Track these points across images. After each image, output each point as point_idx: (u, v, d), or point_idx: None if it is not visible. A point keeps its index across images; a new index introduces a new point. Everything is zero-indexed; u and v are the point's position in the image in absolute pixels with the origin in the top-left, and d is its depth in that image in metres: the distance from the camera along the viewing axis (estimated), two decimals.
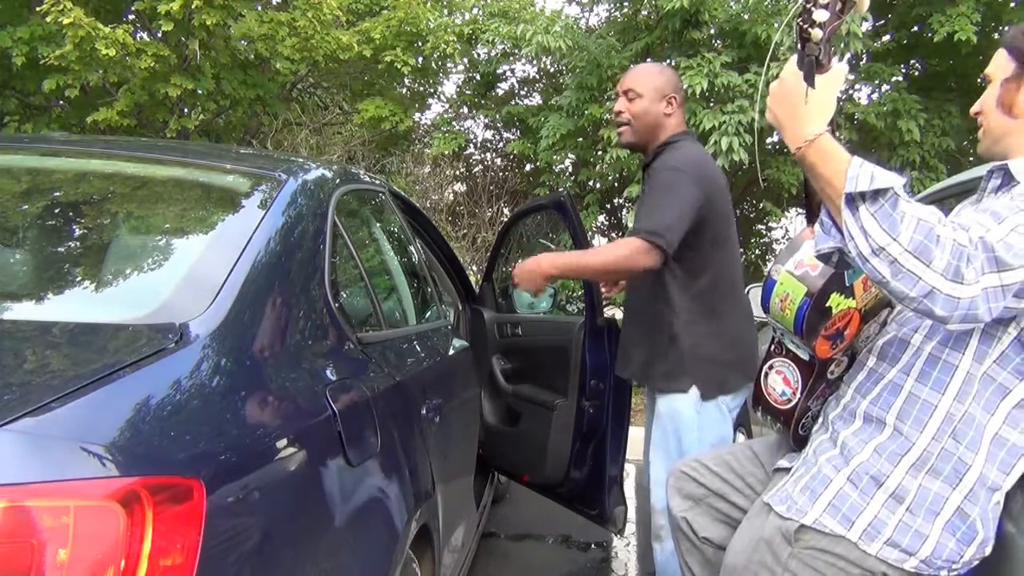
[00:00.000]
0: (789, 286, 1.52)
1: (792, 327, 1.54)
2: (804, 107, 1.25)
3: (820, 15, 1.16)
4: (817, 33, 1.17)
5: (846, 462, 1.45)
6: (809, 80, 1.23)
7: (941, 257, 1.18)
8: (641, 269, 2.10)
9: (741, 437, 2.40)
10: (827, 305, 1.50)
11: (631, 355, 2.40)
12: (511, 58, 8.35)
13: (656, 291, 2.25)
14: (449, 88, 9.58)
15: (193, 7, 5.79)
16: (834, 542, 1.41)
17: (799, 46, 1.23)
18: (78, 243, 1.67)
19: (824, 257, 1.38)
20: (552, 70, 8.44)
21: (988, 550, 1.41)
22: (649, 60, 6.81)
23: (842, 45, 5.77)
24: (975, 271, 1.19)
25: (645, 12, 7.06)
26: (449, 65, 8.61)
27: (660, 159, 2.24)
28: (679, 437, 2.22)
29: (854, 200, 1.21)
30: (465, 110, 9.11)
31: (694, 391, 2.21)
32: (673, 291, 2.21)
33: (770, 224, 8.06)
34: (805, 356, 1.62)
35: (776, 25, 5.98)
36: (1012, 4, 6.66)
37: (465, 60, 8.53)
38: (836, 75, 1.26)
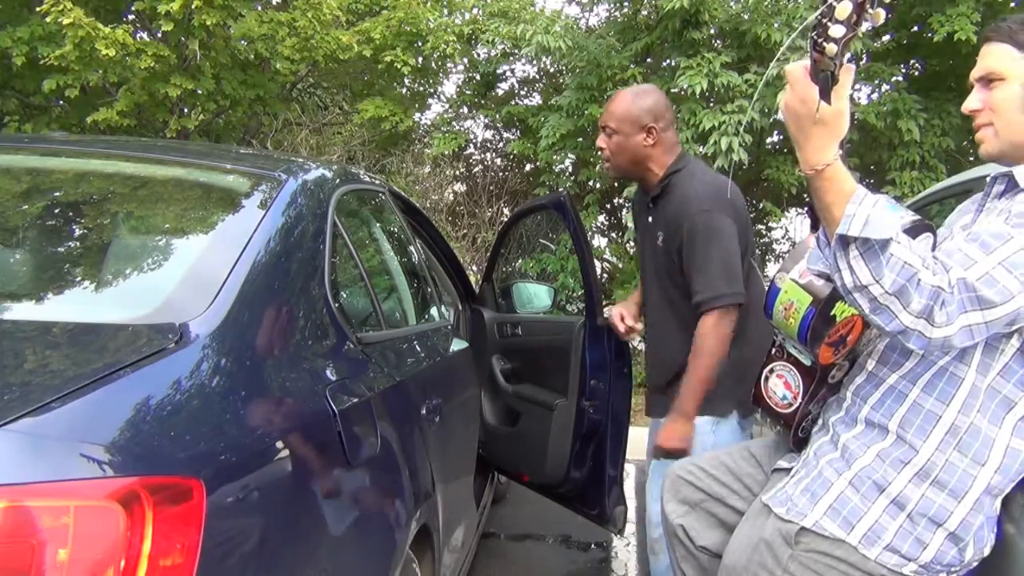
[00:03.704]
0: (794, 295, 1.51)
1: (796, 335, 1.53)
2: (815, 127, 1.22)
3: (836, 30, 1.11)
4: (832, 48, 1.13)
5: (848, 465, 1.44)
6: (824, 96, 1.20)
7: (918, 301, 1.21)
8: (731, 338, 2.07)
9: None
10: (832, 313, 1.49)
11: (653, 380, 2.34)
12: (511, 58, 8.34)
13: (673, 317, 2.20)
14: (449, 88, 9.58)
15: (193, 7, 5.79)
16: (834, 545, 1.40)
17: (812, 60, 1.18)
18: (78, 243, 1.67)
19: (821, 274, 1.38)
20: (552, 70, 8.43)
21: (987, 551, 1.41)
22: (648, 70, 6.81)
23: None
24: (947, 315, 1.22)
25: (645, 12, 7.06)
26: (449, 65, 8.61)
27: (672, 195, 2.16)
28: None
29: (846, 237, 1.21)
30: (465, 110, 9.10)
31: (719, 413, 2.16)
32: (691, 318, 2.14)
33: (770, 224, 8.05)
34: (807, 361, 1.61)
35: (776, 25, 5.98)
36: (1012, 4, 6.65)
37: (465, 60, 8.52)
38: (845, 85, 1.21)
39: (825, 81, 1.19)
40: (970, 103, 1.43)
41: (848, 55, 1.17)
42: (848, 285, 1.24)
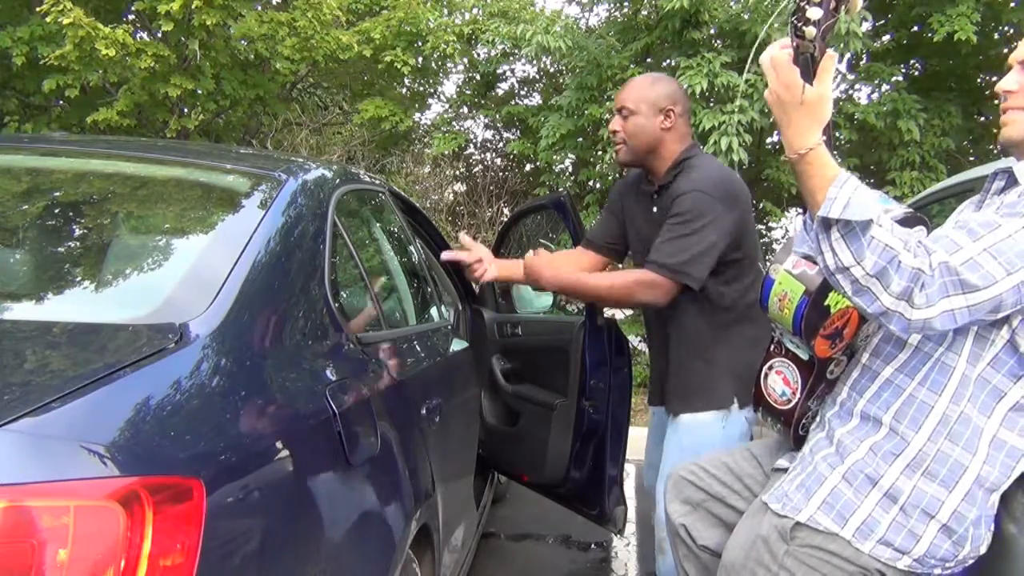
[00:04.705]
0: (787, 285, 1.52)
1: (791, 326, 1.53)
2: (799, 111, 1.26)
3: (814, 12, 1.16)
4: (811, 31, 1.18)
5: (841, 460, 1.45)
6: (807, 78, 1.24)
7: (898, 283, 1.23)
8: (641, 303, 2.00)
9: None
10: (825, 304, 1.50)
11: (657, 376, 2.31)
12: (511, 58, 8.34)
13: (684, 307, 2.15)
14: (449, 88, 9.59)
15: (193, 7, 5.78)
16: (828, 539, 1.41)
17: (793, 44, 1.23)
18: (78, 243, 1.67)
19: (807, 257, 1.39)
20: (552, 70, 8.43)
21: (983, 548, 1.41)
22: (648, 70, 6.81)
23: (841, 45, 5.77)
24: (926, 297, 1.24)
25: (645, 12, 7.06)
26: (449, 65, 8.61)
27: (680, 181, 2.12)
28: (696, 453, 2.09)
29: (828, 219, 1.24)
30: (465, 110, 9.11)
31: (721, 406, 2.15)
32: (703, 306, 2.12)
33: (770, 224, 8.05)
34: (804, 356, 1.61)
35: (776, 25, 5.98)
36: (1012, 4, 6.65)
37: (465, 60, 8.53)
38: (827, 70, 1.25)
39: (805, 64, 1.24)
40: (1006, 83, 1.42)
41: (829, 38, 1.21)
42: (831, 267, 1.27)
